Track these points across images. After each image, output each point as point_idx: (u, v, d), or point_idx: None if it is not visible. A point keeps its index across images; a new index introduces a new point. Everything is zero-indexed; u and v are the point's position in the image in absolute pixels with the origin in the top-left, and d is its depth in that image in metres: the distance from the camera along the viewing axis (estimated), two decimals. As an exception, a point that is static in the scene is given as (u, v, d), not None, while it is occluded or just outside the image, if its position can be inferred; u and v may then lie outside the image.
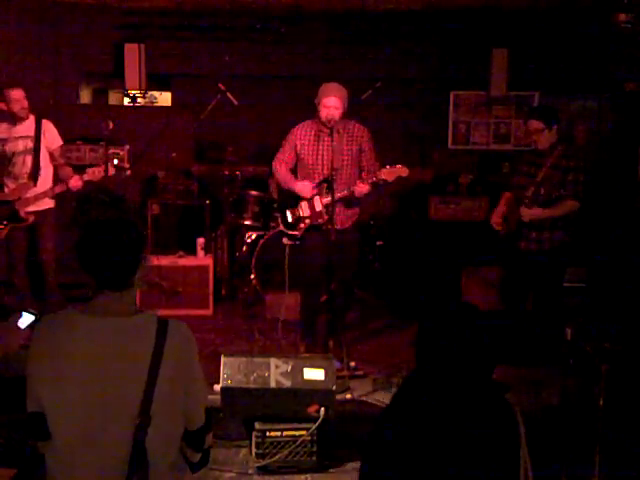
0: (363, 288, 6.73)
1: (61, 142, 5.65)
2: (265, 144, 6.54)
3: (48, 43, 7.24)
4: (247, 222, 6.82)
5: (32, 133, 5.48)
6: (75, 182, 5.45)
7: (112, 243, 2.15)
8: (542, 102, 7.63)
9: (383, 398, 4.54)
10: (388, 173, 5.00)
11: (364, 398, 4.66)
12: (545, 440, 3.65)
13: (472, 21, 7.20)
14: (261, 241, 6.52)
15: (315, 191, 5.13)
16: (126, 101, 7.42)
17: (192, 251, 6.61)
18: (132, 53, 7.21)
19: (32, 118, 5.51)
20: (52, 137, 5.60)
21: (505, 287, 5.50)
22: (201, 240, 6.62)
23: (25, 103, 5.45)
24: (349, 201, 5.15)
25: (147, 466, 2.09)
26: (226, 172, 6.86)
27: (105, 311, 2.17)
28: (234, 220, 6.86)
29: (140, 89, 7.36)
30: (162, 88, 7.95)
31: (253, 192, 6.87)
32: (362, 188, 4.98)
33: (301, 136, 5.18)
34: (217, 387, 4.40)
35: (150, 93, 7.79)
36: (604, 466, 3.57)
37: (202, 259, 6.55)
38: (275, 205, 6.65)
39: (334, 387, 3.99)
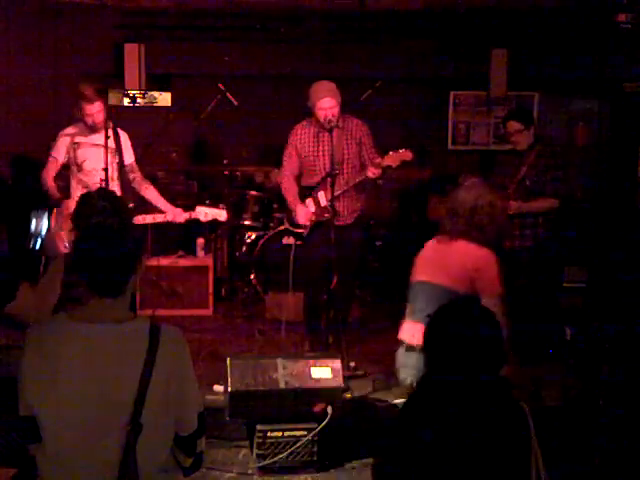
0: (363, 288, 6.73)
1: (133, 157, 5.30)
2: (265, 144, 6.55)
3: (48, 43, 7.24)
4: (247, 222, 6.81)
5: (113, 145, 5.01)
6: (179, 217, 5.13)
7: (109, 250, 2.15)
8: (541, 102, 7.65)
9: (383, 398, 4.54)
10: (392, 158, 4.98)
11: (364, 398, 4.66)
12: (545, 440, 3.65)
13: (472, 21, 7.20)
14: (261, 241, 6.52)
15: (309, 217, 5.16)
16: (126, 101, 7.42)
17: (192, 251, 6.61)
18: (132, 53, 7.21)
19: (110, 126, 5.03)
20: (129, 150, 5.25)
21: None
22: (201, 240, 6.62)
23: (99, 118, 5.00)
24: (353, 196, 5.19)
25: (137, 471, 2.09)
26: (226, 172, 6.86)
27: (98, 317, 2.16)
28: (234, 220, 6.85)
29: (140, 89, 7.36)
30: (162, 88, 7.95)
31: (253, 192, 6.86)
32: (375, 171, 4.99)
33: (301, 136, 5.21)
34: (217, 387, 4.40)
35: (150, 93, 7.78)
36: (604, 467, 3.57)
37: (202, 259, 6.55)
38: (275, 205, 6.66)
39: (342, 385, 4.02)
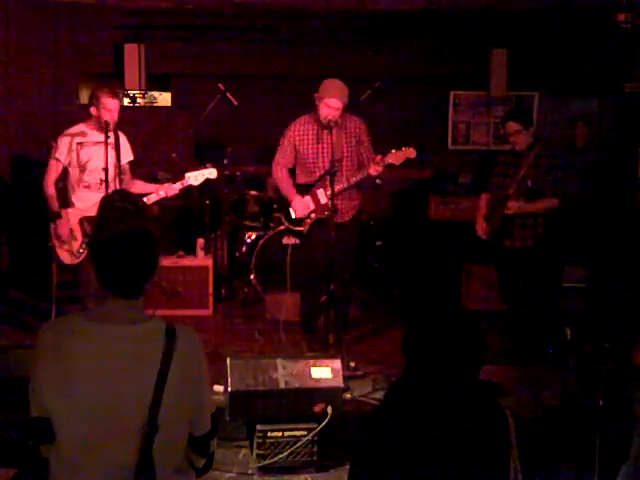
0: (363, 288, 6.73)
1: (132, 157, 5.40)
2: (265, 144, 6.53)
3: (48, 43, 7.23)
4: (247, 222, 6.82)
5: (113, 144, 5.08)
6: (171, 190, 5.21)
7: (133, 253, 2.15)
8: (541, 102, 7.65)
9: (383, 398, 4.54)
10: (395, 156, 5.00)
11: (364, 398, 4.66)
12: (545, 440, 3.65)
13: (472, 21, 7.20)
14: (261, 241, 6.51)
15: (307, 210, 5.18)
16: (126, 101, 7.42)
17: (192, 251, 6.61)
18: (132, 53, 7.21)
19: (111, 127, 5.08)
20: (127, 150, 5.32)
21: (501, 287, 5.55)
22: (201, 240, 6.62)
23: (115, 116, 5.06)
24: (350, 194, 5.21)
25: (154, 473, 2.09)
26: (226, 172, 6.85)
27: (114, 318, 2.16)
28: (234, 220, 6.85)
29: (140, 89, 7.37)
30: (162, 88, 7.95)
31: (253, 192, 6.87)
32: (377, 168, 5.01)
33: (300, 133, 5.23)
34: (217, 387, 4.40)
35: (150, 93, 7.79)
36: (604, 467, 3.57)
37: (202, 259, 6.55)
38: (275, 205, 6.65)
39: (342, 385, 4.02)
